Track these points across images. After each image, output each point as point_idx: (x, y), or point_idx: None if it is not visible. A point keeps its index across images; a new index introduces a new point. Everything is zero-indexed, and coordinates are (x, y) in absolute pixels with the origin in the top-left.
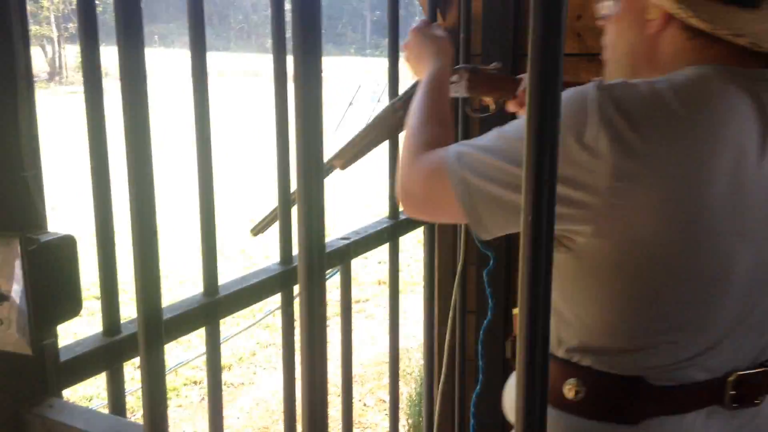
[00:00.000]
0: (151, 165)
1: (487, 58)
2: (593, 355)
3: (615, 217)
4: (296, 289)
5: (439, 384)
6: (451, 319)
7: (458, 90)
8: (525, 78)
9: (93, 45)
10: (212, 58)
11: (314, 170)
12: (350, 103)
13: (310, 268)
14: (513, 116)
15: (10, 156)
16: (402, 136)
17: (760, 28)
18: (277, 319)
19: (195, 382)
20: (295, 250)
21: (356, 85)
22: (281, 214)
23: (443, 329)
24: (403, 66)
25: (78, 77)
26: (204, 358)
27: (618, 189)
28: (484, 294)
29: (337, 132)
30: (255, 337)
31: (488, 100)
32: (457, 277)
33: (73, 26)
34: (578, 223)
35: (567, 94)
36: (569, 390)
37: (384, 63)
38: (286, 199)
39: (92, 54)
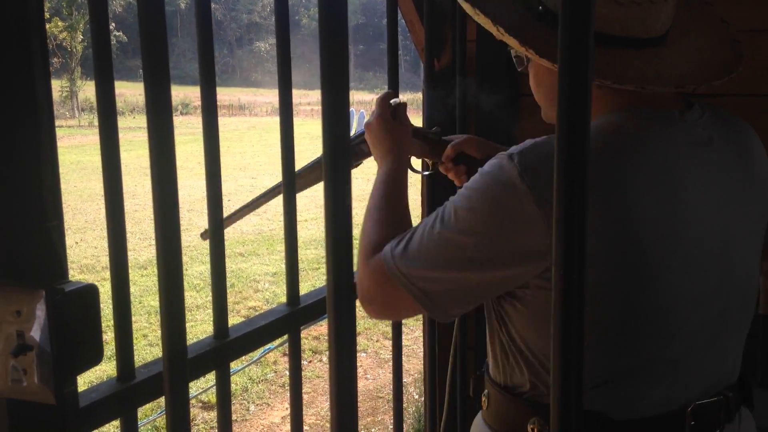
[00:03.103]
0: (177, 210)
1: (483, 99)
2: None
3: None
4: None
5: (441, 422)
6: (452, 356)
7: None
8: (450, 143)
9: (107, 82)
10: (197, 92)
11: (342, 199)
12: None
13: (338, 300)
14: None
15: (33, 206)
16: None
17: (642, 71)
18: (268, 354)
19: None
20: (302, 291)
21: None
22: (288, 257)
23: (444, 366)
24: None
25: (62, 111)
26: (192, 392)
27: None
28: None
29: None
30: (247, 372)
31: (428, 161)
32: None
33: (58, 61)
34: (525, 280)
35: (481, 181)
36: (533, 428)
37: (367, 96)
38: (292, 243)
39: (107, 91)
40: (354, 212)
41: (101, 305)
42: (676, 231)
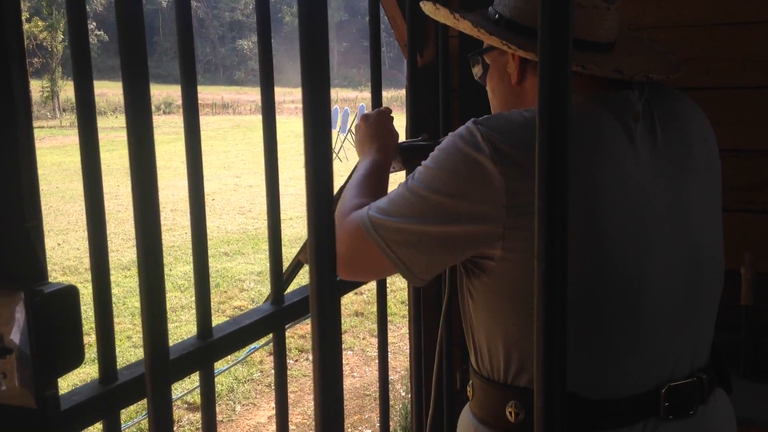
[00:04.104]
0: (157, 210)
1: (465, 94)
2: (527, 374)
3: (517, 237)
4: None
5: (427, 418)
6: (437, 352)
7: (395, 166)
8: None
9: (86, 82)
10: (180, 91)
11: (324, 199)
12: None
13: (322, 298)
14: None
15: (11, 206)
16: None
17: (583, 61)
18: (254, 354)
19: (174, 421)
20: (288, 290)
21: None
22: (272, 255)
23: (430, 362)
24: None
25: (43, 112)
26: (178, 393)
27: (513, 208)
28: None
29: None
30: (233, 372)
31: None
32: (443, 309)
33: (38, 61)
34: (486, 248)
35: (447, 141)
36: (510, 413)
37: (351, 94)
38: (276, 239)
39: (86, 91)
40: None
41: (84, 307)
42: (628, 203)
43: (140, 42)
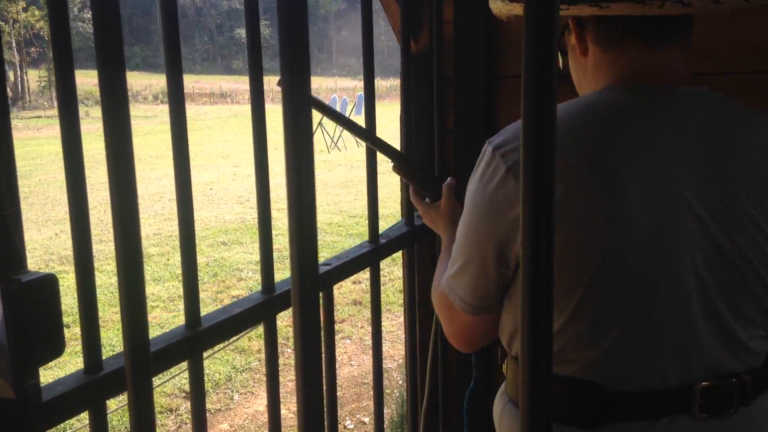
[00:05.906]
0: (135, 199)
1: (460, 81)
2: None
3: None
4: (286, 316)
5: (422, 405)
6: (432, 341)
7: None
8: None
9: (67, 69)
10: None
11: (305, 190)
12: (320, 123)
13: (303, 290)
14: None
15: None
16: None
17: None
18: (252, 343)
19: (170, 410)
20: (276, 279)
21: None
22: (262, 245)
23: (425, 351)
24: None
25: (41, 102)
26: (176, 383)
27: None
28: None
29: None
30: (230, 361)
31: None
32: None
33: (35, 51)
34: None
35: (473, 177)
36: None
37: (350, 83)
38: (266, 230)
39: (67, 79)
40: (336, 198)
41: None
42: (655, 193)
43: (116, 28)
